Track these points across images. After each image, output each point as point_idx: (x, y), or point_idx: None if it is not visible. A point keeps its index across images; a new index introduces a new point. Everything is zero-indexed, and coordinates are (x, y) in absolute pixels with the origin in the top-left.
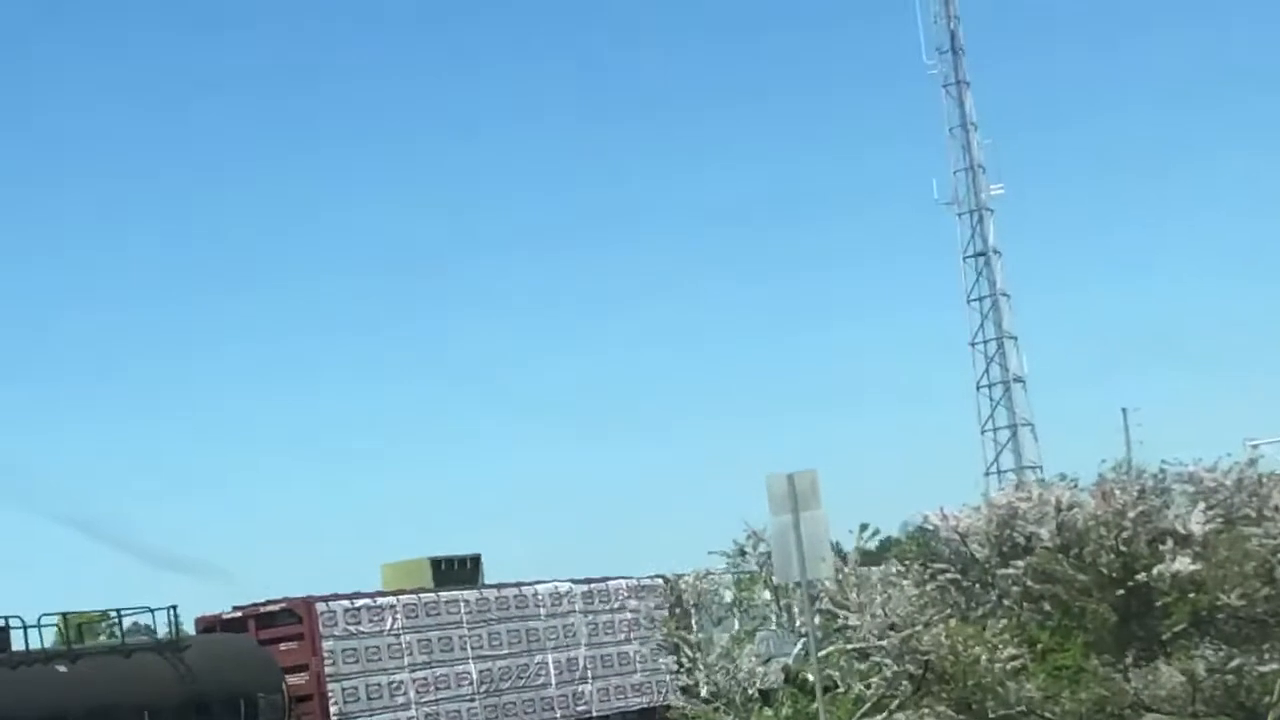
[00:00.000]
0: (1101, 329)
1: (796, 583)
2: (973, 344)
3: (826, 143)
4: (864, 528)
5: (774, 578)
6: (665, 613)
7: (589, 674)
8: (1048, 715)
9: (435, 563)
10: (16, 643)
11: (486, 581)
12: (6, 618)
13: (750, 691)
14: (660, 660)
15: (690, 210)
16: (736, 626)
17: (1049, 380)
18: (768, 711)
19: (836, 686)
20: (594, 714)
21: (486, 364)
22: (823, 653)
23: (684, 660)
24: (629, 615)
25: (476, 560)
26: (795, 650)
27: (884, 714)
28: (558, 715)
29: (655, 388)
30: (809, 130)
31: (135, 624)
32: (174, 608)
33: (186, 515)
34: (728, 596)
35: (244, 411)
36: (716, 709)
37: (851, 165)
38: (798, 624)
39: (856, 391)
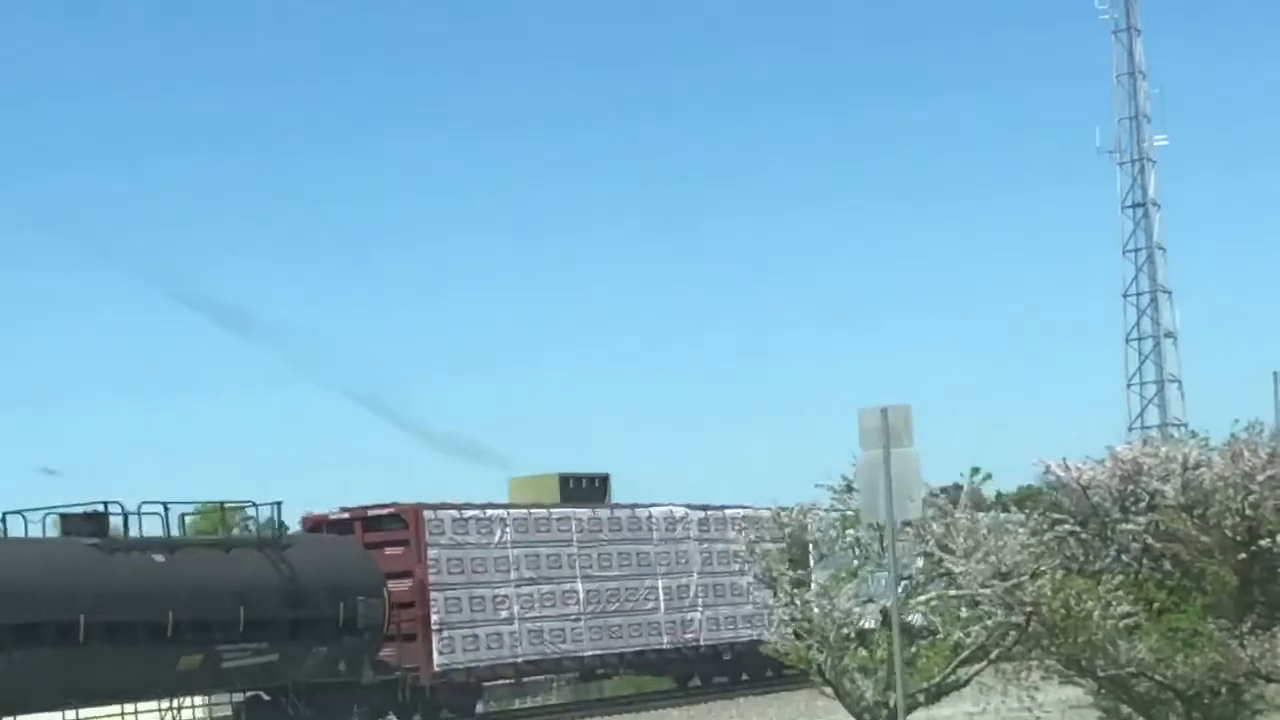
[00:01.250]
0: (1261, 288)
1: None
2: (1125, 296)
3: (988, 81)
4: (975, 471)
5: (860, 516)
6: (769, 545)
7: (699, 602)
8: (1159, 678)
9: (564, 479)
10: (149, 527)
11: (615, 501)
12: (106, 503)
13: (846, 631)
14: (755, 594)
15: (843, 140)
16: (854, 561)
17: (1202, 337)
18: (863, 652)
19: (936, 632)
20: (701, 643)
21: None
22: (923, 597)
23: (781, 595)
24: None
25: (605, 480)
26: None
27: (983, 663)
28: (664, 641)
29: (796, 317)
30: (973, 67)
31: (270, 519)
32: (278, 504)
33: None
34: (832, 533)
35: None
36: (810, 646)
37: (1014, 106)
38: (900, 565)
39: (1001, 335)
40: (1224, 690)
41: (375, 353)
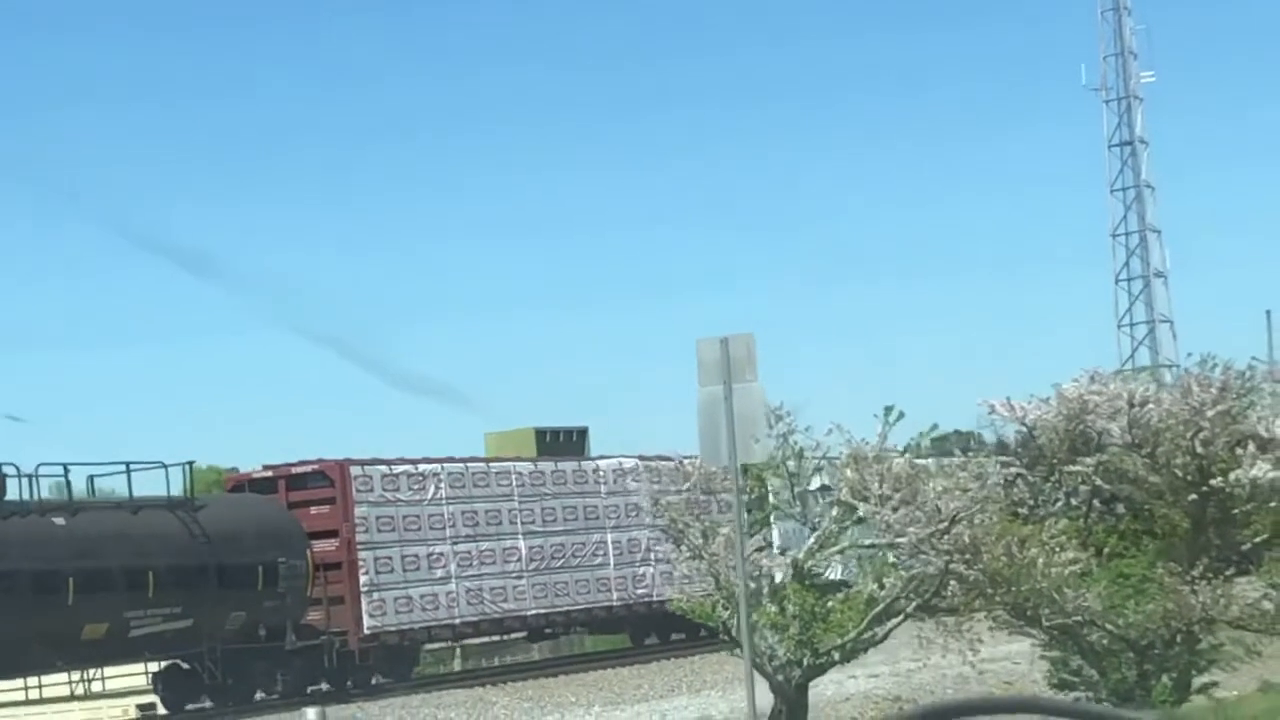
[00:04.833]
0: (1251, 225)
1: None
2: (1114, 235)
3: (970, 17)
4: (888, 410)
5: (700, 461)
6: (675, 496)
7: (652, 556)
8: (1110, 627)
9: (540, 433)
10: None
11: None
12: (1, 464)
13: (755, 585)
14: (657, 548)
15: (825, 80)
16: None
17: (1193, 276)
18: (773, 608)
19: (851, 585)
20: (654, 599)
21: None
22: (837, 548)
23: (686, 548)
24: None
25: (583, 433)
26: (808, 544)
27: (900, 617)
28: (614, 597)
29: (784, 261)
30: (955, 3)
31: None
32: (190, 464)
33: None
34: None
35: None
36: (716, 603)
37: (998, 43)
38: (811, 516)
39: (988, 277)
40: (1178, 639)
41: (350, 299)
